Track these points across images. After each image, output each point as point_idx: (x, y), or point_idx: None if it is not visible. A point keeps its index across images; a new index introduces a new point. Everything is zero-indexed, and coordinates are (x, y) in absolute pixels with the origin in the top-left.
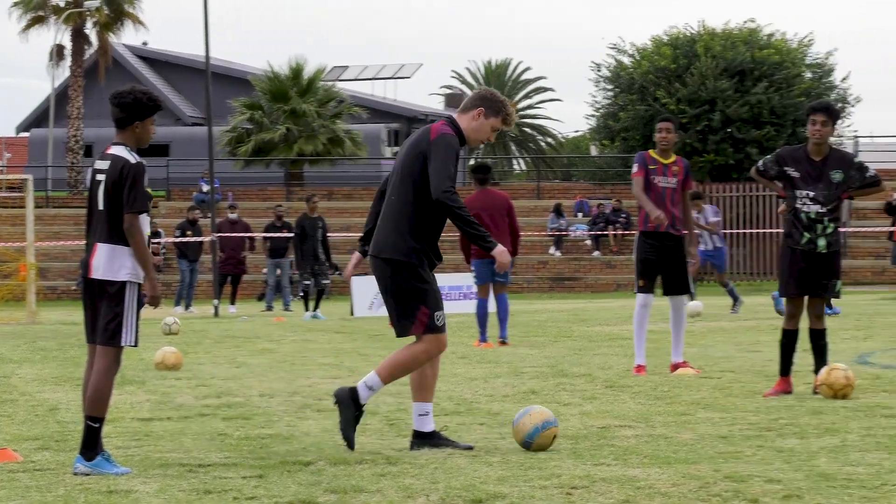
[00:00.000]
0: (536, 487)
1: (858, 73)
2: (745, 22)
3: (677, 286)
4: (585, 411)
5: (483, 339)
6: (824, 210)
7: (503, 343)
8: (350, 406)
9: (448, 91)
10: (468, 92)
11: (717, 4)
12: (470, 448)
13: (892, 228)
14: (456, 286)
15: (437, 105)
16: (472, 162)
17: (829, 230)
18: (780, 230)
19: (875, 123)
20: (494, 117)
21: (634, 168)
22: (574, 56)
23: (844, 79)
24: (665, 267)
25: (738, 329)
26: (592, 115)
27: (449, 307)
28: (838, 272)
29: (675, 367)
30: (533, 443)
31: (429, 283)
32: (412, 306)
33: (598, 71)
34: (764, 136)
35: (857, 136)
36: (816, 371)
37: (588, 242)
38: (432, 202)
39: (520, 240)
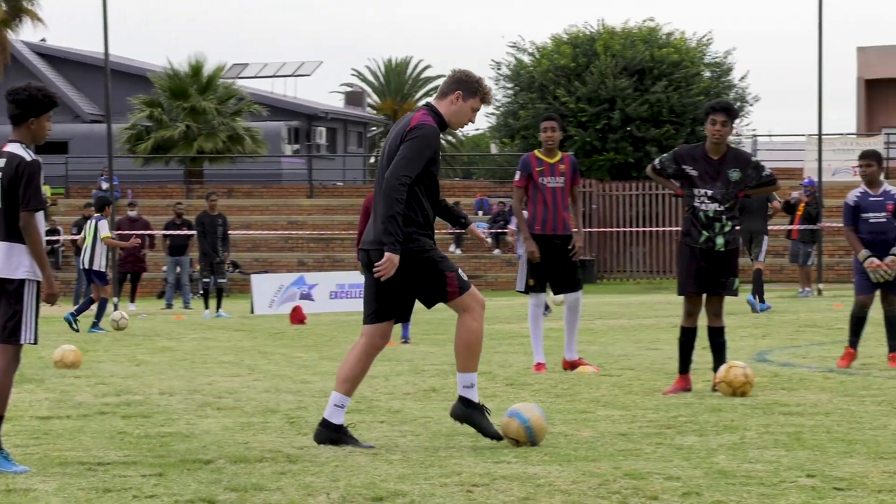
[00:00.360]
0: (437, 485)
1: (757, 72)
2: (645, 21)
3: (568, 284)
4: None
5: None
6: (722, 208)
7: (405, 342)
8: (473, 412)
9: (348, 89)
10: (368, 90)
11: (617, 3)
12: (371, 447)
13: (790, 227)
14: (356, 284)
15: (337, 103)
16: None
17: (728, 228)
18: (680, 228)
19: (773, 123)
20: (472, 98)
21: (516, 176)
22: (474, 54)
23: (743, 78)
24: (554, 266)
25: (638, 327)
26: (492, 114)
27: (350, 305)
28: (736, 270)
29: (572, 364)
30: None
31: (435, 249)
32: (438, 278)
33: (498, 69)
34: (663, 135)
35: (755, 135)
36: (715, 369)
37: (489, 240)
38: (420, 187)
39: None
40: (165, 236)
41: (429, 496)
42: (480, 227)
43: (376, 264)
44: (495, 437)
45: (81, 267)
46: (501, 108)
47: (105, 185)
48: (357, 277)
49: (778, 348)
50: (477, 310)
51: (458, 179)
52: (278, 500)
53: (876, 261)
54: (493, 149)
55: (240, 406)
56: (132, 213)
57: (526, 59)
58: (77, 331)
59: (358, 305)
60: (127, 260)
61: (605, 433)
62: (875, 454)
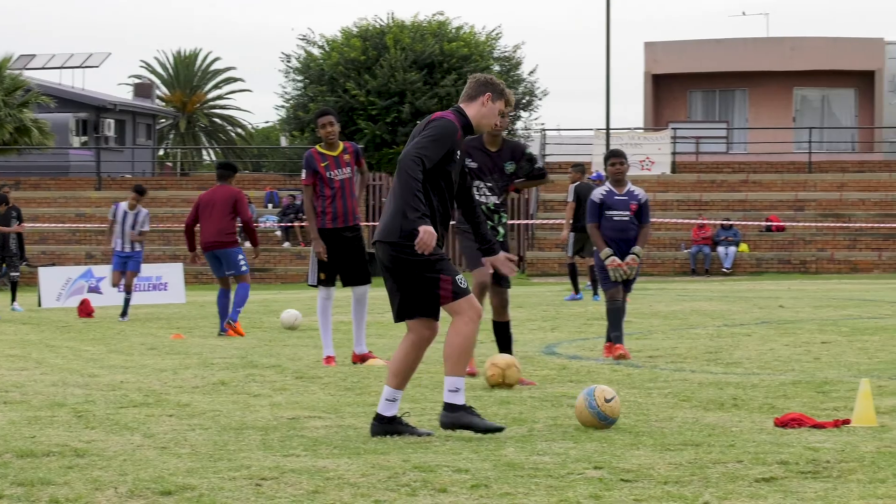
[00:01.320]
0: (226, 479)
1: (546, 66)
2: (434, 15)
3: (357, 277)
4: (275, 402)
5: (224, 327)
6: (499, 201)
7: (229, 325)
8: (460, 415)
9: (137, 81)
10: (157, 82)
11: None
12: (429, 434)
13: None
14: (145, 277)
15: (126, 95)
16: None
17: (504, 220)
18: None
19: (562, 117)
20: (500, 100)
21: (303, 175)
22: (264, 47)
23: (532, 72)
24: (344, 259)
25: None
26: (282, 106)
27: (138, 298)
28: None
29: (361, 358)
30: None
31: (438, 252)
32: (431, 279)
33: (288, 62)
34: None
35: (544, 129)
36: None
37: (278, 234)
38: (431, 183)
39: (255, 232)
40: None
41: (217, 490)
42: (270, 220)
43: (416, 243)
44: (495, 429)
45: None
46: (291, 101)
47: None
48: (146, 270)
49: (566, 341)
50: (471, 314)
51: (247, 172)
52: (66, 495)
53: (617, 260)
54: (283, 142)
55: (26, 400)
56: None
57: (316, 52)
58: None
59: (146, 298)
60: None
61: None
62: (661, 446)
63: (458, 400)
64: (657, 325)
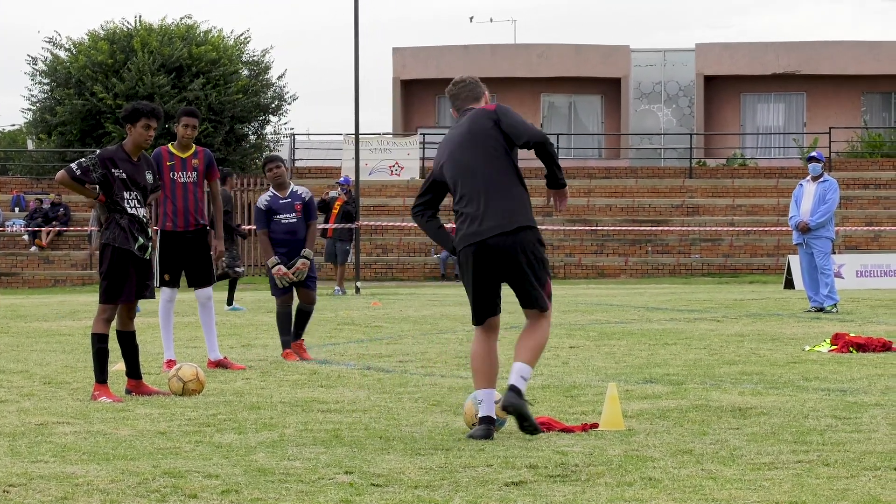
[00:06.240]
0: None
1: (295, 70)
2: (182, 18)
3: (202, 278)
4: (23, 408)
5: None
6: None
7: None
8: (525, 404)
9: None
10: None
11: (154, 0)
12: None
13: (326, 225)
14: None
15: None
16: None
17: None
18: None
19: (311, 122)
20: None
21: None
22: (8, 48)
23: (281, 76)
24: (188, 260)
25: (180, 325)
26: (29, 109)
27: None
28: None
29: (217, 364)
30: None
31: None
32: (539, 279)
33: (34, 65)
34: (202, 133)
35: (293, 134)
36: (131, 373)
37: (25, 238)
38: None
39: None
40: None
41: None
42: (17, 223)
43: (560, 208)
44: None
45: None
46: (38, 104)
47: None
48: None
49: (316, 346)
50: (550, 318)
51: None
52: None
53: (283, 269)
54: (30, 145)
55: None
56: None
57: (63, 54)
58: None
59: None
60: None
61: (144, 431)
62: (412, 450)
63: (525, 388)
64: (408, 329)
